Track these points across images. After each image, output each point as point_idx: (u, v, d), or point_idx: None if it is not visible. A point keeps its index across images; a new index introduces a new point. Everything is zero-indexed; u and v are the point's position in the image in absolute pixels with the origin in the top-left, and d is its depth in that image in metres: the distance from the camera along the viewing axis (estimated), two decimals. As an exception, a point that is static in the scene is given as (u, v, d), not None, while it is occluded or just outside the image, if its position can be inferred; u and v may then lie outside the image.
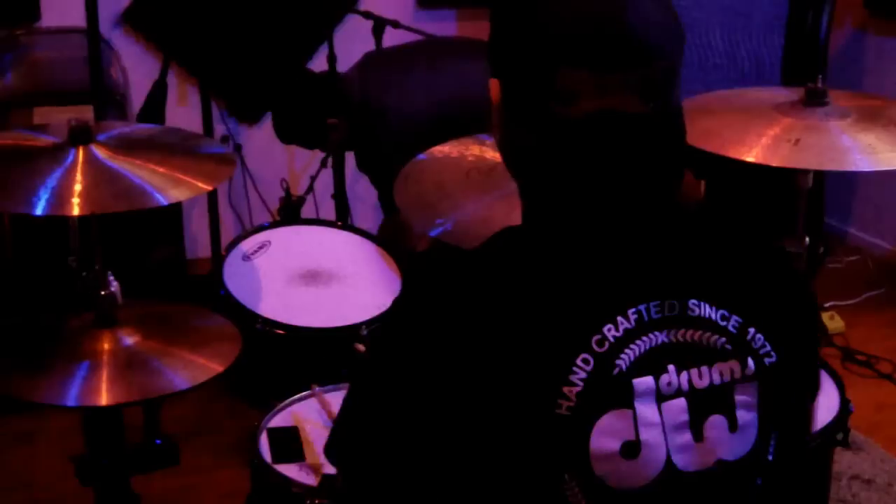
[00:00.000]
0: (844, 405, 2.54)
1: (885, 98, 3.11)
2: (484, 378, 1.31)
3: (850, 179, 5.29)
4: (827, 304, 4.59)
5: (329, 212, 4.35)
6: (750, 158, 2.61)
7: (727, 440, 1.39)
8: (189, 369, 2.46)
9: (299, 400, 2.60)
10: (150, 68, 4.44)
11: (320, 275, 3.18)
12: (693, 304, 1.38)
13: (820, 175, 4.49)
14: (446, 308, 1.35)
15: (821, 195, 4.96)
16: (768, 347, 1.41)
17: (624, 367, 1.33)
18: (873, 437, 3.75)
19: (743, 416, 1.40)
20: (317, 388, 2.58)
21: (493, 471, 1.33)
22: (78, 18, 3.67)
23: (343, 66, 4.23)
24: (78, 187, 2.33)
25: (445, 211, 2.53)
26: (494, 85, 1.42)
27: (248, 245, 3.29)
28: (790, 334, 1.45)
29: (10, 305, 4.07)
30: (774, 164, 2.61)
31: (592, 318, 1.34)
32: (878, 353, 4.32)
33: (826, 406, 2.53)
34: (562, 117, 1.35)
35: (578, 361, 1.31)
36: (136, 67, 4.59)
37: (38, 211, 2.29)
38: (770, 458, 1.43)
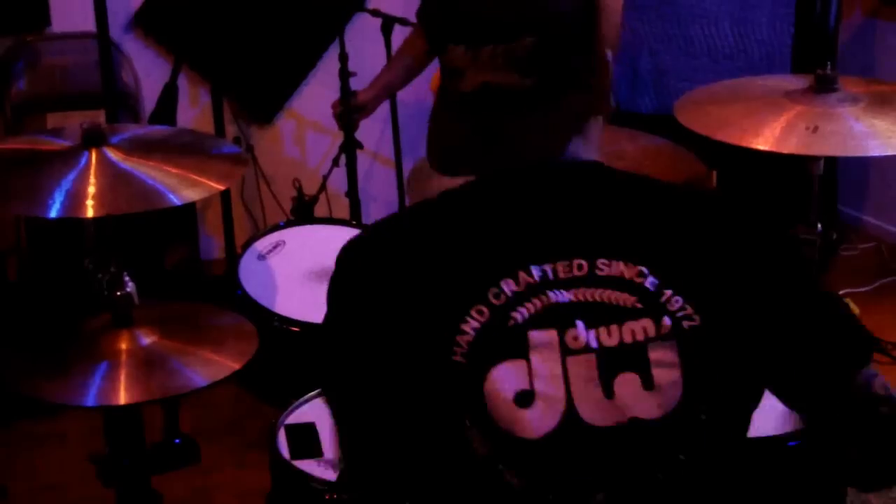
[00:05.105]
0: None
1: (895, 83, 3.09)
2: (396, 328, 1.43)
3: (864, 166, 5.27)
4: (841, 292, 4.58)
5: (342, 210, 4.35)
6: (763, 147, 2.60)
7: (641, 398, 1.42)
8: (207, 367, 2.47)
9: (316, 396, 2.61)
10: (162, 71, 4.45)
11: (335, 272, 3.19)
12: (602, 263, 1.43)
13: (831, 161, 4.48)
14: (368, 268, 1.48)
15: (833, 182, 4.95)
16: (689, 310, 1.43)
17: (520, 319, 1.41)
18: (891, 423, 3.73)
19: (661, 374, 1.42)
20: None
21: (410, 413, 1.44)
22: (88, 23, 3.67)
23: (354, 64, 4.23)
24: (92, 189, 2.35)
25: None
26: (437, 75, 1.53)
27: (262, 245, 3.30)
28: (724, 299, 1.45)
29: (27, 308, 4.09)
30: (788, 152, 2.60)
31: (491, 272, 1.42)
32: (894, 339, 4.30)
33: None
34: (453, 92, 1.48)
35: (473, 312, 1.41)
36: (148, 70, 4.60)
37: (53, 213, 2.30)
38: (703, 417, 1.44)
